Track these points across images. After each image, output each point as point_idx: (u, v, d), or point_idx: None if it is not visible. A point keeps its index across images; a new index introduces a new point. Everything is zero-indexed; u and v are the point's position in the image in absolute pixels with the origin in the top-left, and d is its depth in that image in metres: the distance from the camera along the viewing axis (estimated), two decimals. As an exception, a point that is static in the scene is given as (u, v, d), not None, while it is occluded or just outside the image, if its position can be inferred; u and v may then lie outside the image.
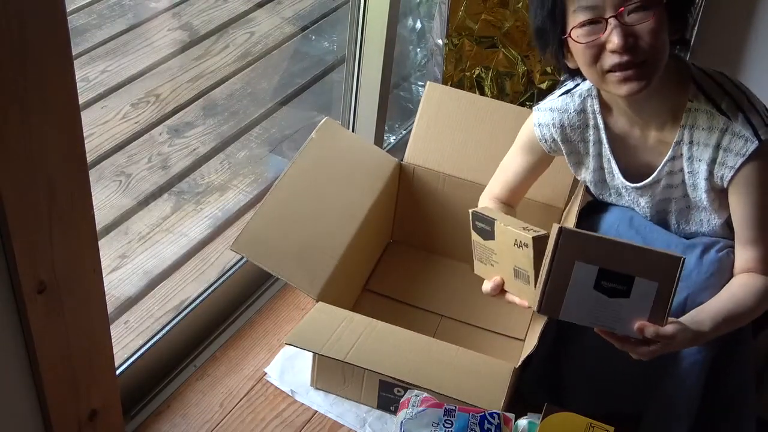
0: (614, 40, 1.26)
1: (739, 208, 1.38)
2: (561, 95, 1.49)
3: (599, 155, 1.49)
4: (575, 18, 1.29)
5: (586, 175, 1.54)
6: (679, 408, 1.48)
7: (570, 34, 1.30)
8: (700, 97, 1.35)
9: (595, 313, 1.25)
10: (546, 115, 1.50)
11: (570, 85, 1.48)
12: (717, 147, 1.34)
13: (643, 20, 1.26)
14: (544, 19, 1.34)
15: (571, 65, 1.37)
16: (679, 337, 1.28)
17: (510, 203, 1.65)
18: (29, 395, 1.25)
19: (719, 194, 1.40)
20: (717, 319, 1.33)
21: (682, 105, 1.36)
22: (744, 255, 1.40)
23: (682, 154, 1.39)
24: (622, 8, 1.25)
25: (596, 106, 1.45)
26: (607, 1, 1.25)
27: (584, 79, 1.41)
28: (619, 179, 1.48)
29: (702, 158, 1.36)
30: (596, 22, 1.27)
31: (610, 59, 1.28)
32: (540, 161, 1.58)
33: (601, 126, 1.45)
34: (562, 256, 1.23)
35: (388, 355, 1.51)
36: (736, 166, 1.33)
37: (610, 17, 1.26)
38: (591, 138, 1.48)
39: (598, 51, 1.29)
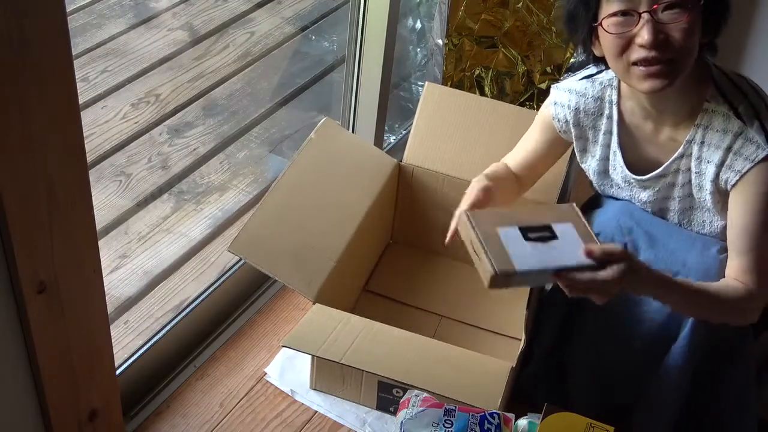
0: (644, 35, 1.25)
1: (735, 213, 1.37)
2: (582, 79, 1.49)
3: (607, 146, 1.49)
4: (609, 7, 1.28)
5: (591, 163, 1.54)
6: (665, 406, 1.48)
7: (601, 22, 1.30)
8: (718, 99, 1.35)
9: (543, 257, 1.26)
10: (564, 95, 1.50)
11: (593, 69, 1.47)
12: (728, 150, 1.34)
13: (676, 19, 1.25)
14: (577, 3, 1.33)
15: (597, 53, 1.37)
16: (632, 260, 1.24)
17: (520, 176, 1.64)
18: (29, 395, 1.25)
19: (724, 197, 1.39)
20: (679, 283, 1.31)
21: (699, 104, 1.36)
22: (732, 263, 1.38)
23: (691, 153, 1.39)
24: (657, 5, 1.24)
25: (614, 97, 1.44)
26: None
27: (608, 68, 1.40)
28: (622, 173, 1.48)
29: (711, 160, 1.36)
30: (629, 14, 1.27)
31: (637, 53, 1.28)
32: (553, 141, 1.58)
33: (615, 118, 1.45)
34: (484, 229, 1.27)
35: (386, 356, 1.51)
36: (743, 171, 1.33)
37: (643, 12, 1.25)
38: (603, 127, 1.48)
39: (626, 43, 1.28)
